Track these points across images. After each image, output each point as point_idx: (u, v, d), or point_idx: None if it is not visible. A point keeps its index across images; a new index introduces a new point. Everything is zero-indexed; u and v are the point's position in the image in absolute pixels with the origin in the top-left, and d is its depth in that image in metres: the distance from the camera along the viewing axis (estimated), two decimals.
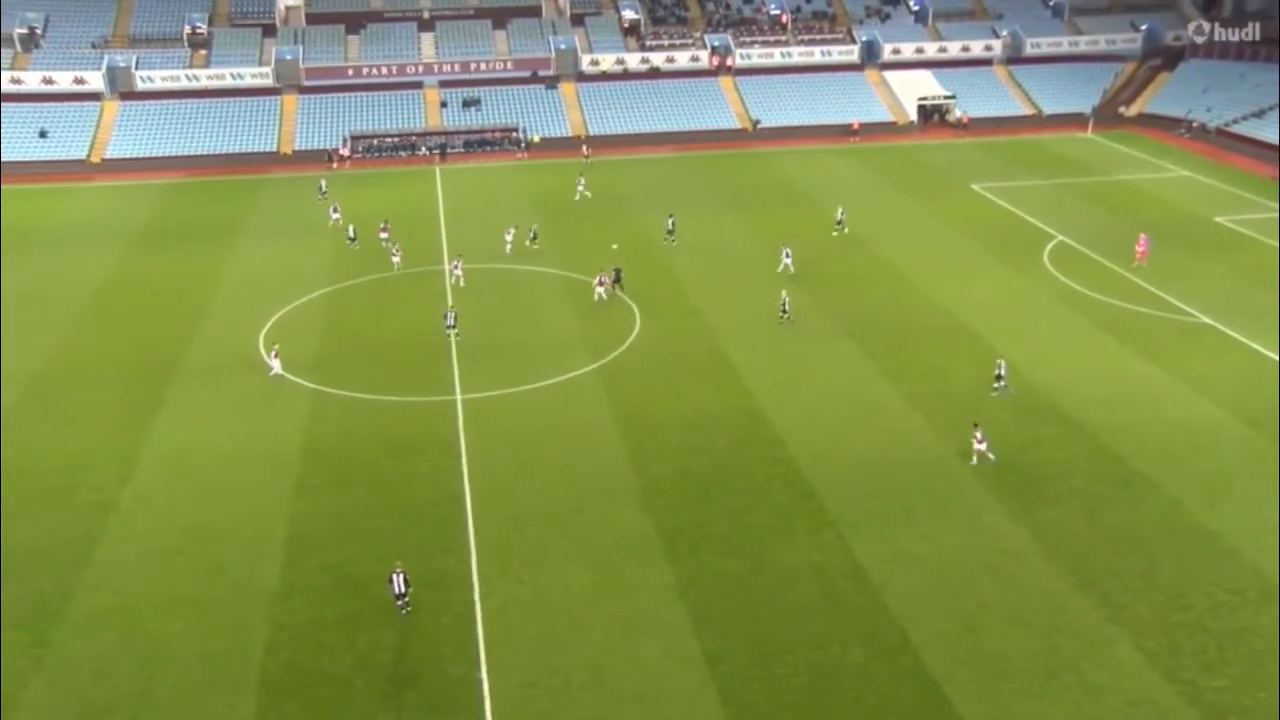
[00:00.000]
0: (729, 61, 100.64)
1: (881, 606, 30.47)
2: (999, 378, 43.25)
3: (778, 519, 34.81)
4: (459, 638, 29.54)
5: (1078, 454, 38.54)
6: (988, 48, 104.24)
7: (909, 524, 34.43)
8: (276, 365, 44.58)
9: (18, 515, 35.72)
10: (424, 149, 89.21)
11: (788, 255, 57.32)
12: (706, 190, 76.21)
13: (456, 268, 56.43)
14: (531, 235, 62.64)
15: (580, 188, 74.37)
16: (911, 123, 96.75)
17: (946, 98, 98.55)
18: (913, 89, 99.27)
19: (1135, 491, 36.08)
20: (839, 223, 64.55)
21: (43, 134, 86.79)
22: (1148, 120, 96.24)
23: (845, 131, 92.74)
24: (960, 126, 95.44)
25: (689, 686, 27.60)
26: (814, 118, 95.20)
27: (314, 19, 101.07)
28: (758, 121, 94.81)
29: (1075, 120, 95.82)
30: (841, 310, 52.24)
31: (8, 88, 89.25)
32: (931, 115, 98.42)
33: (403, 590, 30.28)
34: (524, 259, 60.50)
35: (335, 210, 68.85)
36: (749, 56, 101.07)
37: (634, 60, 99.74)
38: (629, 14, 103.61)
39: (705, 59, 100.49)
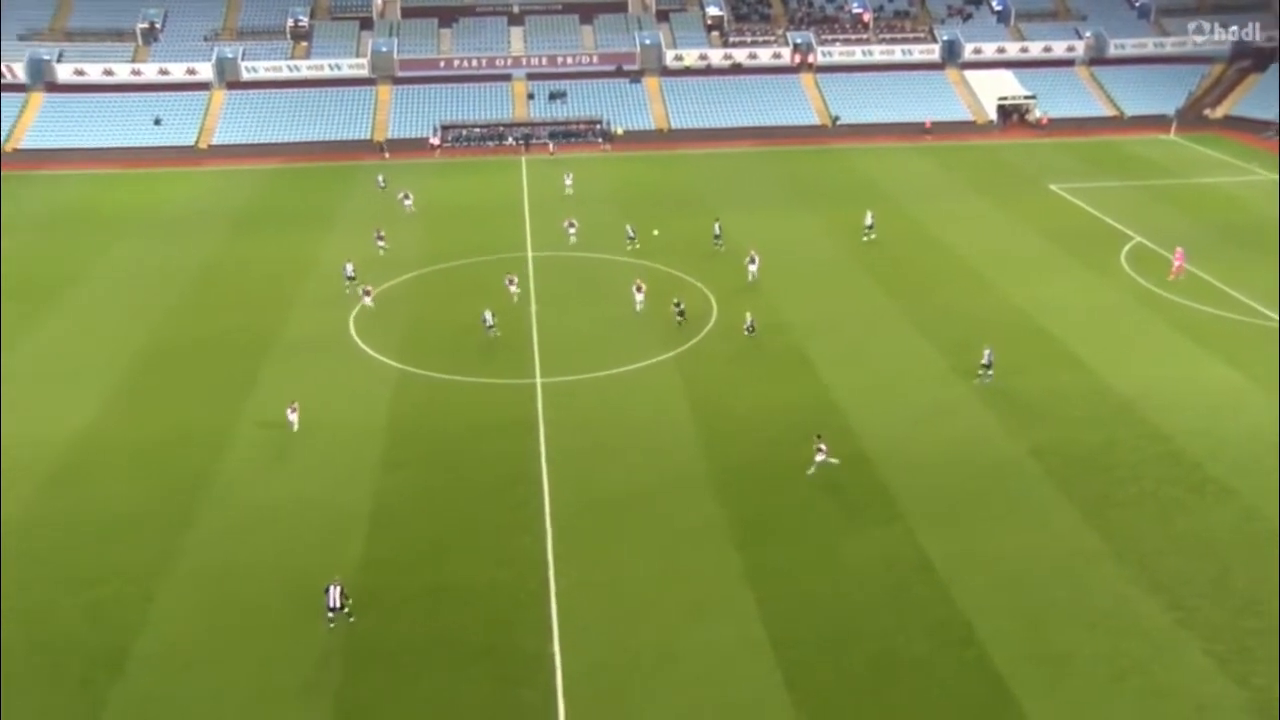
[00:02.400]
0: (810, 59, 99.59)
1: (948, 601, 30.05)
2: (985, 366, 42.67)
3: (848, 511, 34.50)
4: (533, 614, 29.76)
5: (1152, 457, 37.55)
6: (1070, 48, 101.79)
7: (979, 521, 33.91)
8: (294, 420, 39.80)
9: (128, 481, 36.94)
10: (510, 139, 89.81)
11: (753, 263, 55.23)
12: (784, 186, 75.56)
13: (512, 283, 53.08)
14: (629, 235, 60.98)
15: (567, 182, 73.58)
16: (991, 122, 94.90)
17: (1027, 97, 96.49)
18: (993, 88, 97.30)
19: (1210, 497, 35.05)
20: (869, 227, 62.20)
21: (157, 121, 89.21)
22: (1234, 123, 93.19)
23: (920, 130, 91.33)
24: (1039, 127, 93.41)
25: (756, 671, 27.52)
26: (893, 115, 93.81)
27: (409, 12, 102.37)
28: (837, 118, 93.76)
29: (1158, 122, 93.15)
30: (917, 308, 51.47)
31: (128, 78, 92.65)
32: (1011, 115, 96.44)
33: (337, 604, 28.95)
34: (601, 249, 60.60)
35: (407, 197, 69.75)
36: (830, 54, 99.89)
37: (717, 56, 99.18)
38: (713, 10, 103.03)
39: (787, 56, 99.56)
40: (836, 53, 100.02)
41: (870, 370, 44.87)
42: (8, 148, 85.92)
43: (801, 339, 48.00)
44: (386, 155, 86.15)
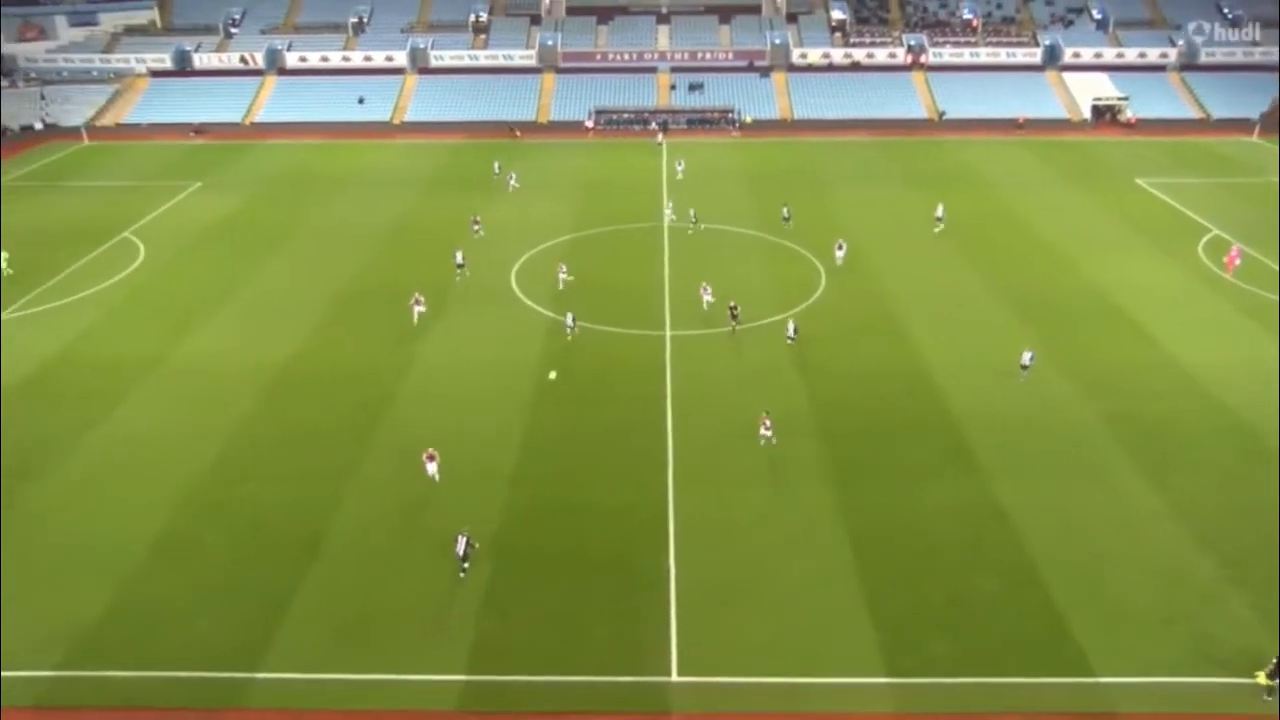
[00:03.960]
0: (922, 59, 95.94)
1: (1018, 547, 29.28)
2: (1024, 367, 39.76)
3: (933, 462, 33.74)
4: (653, 535, 30.06)
5: (1213, 428, 35.66)
6: (1163, 55, 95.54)
7: (1050, 478, 32.80)
8: (433, 468, 33.05)
9: (324, 400, 38.52)
10: (654, 124, 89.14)
11: (840, 249, 52.52)
12: (891, 172, 73.09)
13: (562, 271, 49.60)
14: (784, 216, 58.98)
15: (679, 168, 71.06)
16: (1085, 120, 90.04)
17: (1120, 99, 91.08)
18: (1089, 90, 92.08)
19: (1265, 466, 33.12)
20: (939, 219, 58.63)
21: (360, 100, 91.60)
22: None
23: (1015, 125, 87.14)
24: (1129, 126, 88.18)
25: (842, 596, 27.39)
26: (995, 112, 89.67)
27: (572, 10, 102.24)
28: (944, 113, 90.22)
29: (1243, 125, 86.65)
30: (1005, 286, 49.45)
31: (339, 64, 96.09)
32: (1104, 114, 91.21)
33: (464, 554, 28.05)
34: (727, 222, 59.83)
35: (513, 178, 67.96)
36: (941, 55, 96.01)
37: (838, 55, 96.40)
38: (837, 14, 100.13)
39: (902, 56, 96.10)
40: (946, 54, 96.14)
41: (959, 338, 43.46)
42: (247, 121, 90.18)
43: (899, 308, 46.74)
44: (518, 134, 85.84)
